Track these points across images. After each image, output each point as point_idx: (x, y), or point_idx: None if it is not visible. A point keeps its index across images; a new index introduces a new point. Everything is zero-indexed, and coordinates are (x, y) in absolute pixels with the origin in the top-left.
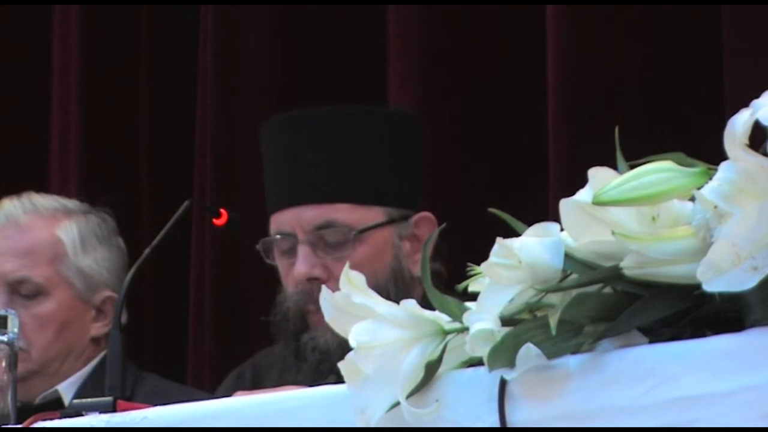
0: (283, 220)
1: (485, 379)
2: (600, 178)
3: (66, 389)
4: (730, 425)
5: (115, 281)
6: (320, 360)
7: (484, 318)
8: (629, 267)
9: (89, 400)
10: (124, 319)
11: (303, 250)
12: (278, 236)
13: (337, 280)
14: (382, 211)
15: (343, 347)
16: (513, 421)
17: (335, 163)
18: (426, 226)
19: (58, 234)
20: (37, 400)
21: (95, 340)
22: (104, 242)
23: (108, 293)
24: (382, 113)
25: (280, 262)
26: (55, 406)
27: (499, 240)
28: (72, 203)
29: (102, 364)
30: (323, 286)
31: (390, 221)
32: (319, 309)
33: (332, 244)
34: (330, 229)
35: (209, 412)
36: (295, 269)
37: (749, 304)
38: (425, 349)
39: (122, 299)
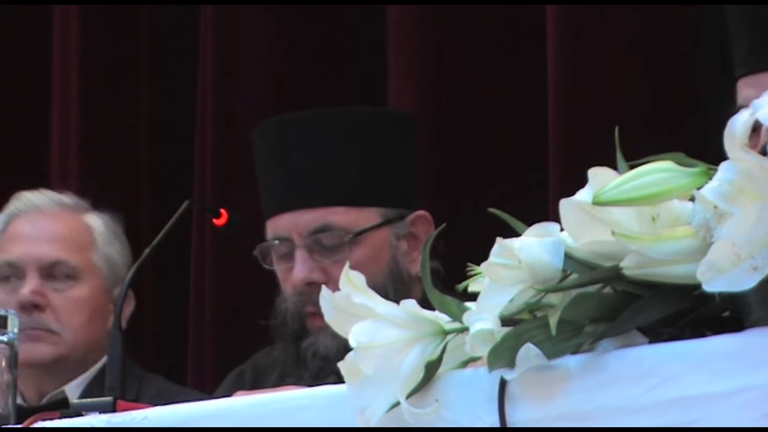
0: (279, 225)
1: (485, 379)
2: (600, 178)
3: (72, 390)
4: (730, 425)
5: (123, 272)
6: (321, 366)
7: (484, 318)
8: (629, 267)
9: (89, 400)
10: (129, 310)
11: (300, 255)
12: (275, 241)
13: (335, 282)
14: (378, 212)
15: (342, 352)
16: (513, 421)
17: (329, 165)
18: (422, 224)
19: (87, 222)
20: (44, 401)
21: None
22: (120, 239)
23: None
24: (374, 114)
25: (278, 267)
26: (60, 407)
27: (499, 240)
28: (82, 201)
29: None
30: (323, 287)
31: (386, 222)
32: (317, 311)
33: (329, 248)
34: (326, 232)
35: (209, 412)
36: (294, 274)
37: (749, 304)
38: (425, 349)
39: (122, 299)
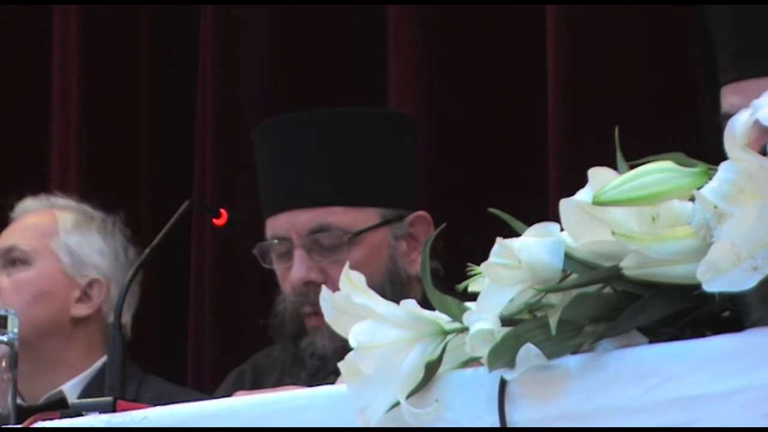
0: (278, 225)
1: (485, 379)
2: (600, 178)
3: (71, 390)
4: (730, 425)
5: (108, 270)
6: (318, 366)
7: (484, 318)
8: (629, 267)
9: (89, 400)
10: (126, 319)
11: (299, 255)
12: (274, 240)
13: (333, 282)
14: (377, 212)
15: (340, 352)
16: (513, 421)
17: (328, 165)
18: (422, 225)
19: (56, 215)
20: (41, 400)
21: (77, 322)
22: (103, 233)
23: (96, 277)
24: (373, 114)
25: (277, 266)
26: (59, 407)
27: (499, 240)
28: (87, 207)
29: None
30: (323, 286)
31: (385, 222)
32: (315, 311)
33: (327, 248)
34: (324, 232)
35: (209, 412)
36: (292, 274)
37: (749, 304)
38: (425, 349)
39: (122, 298)
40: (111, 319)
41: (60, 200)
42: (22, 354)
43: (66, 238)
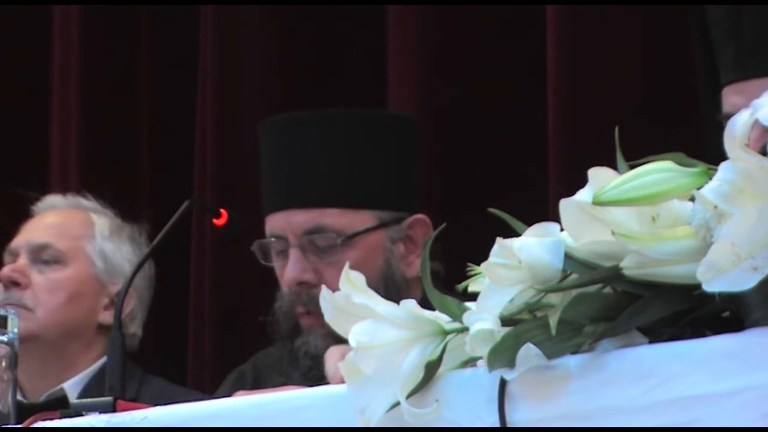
0: (275, 223)
1: (485, 379)
2: (600, 178)
3: (72, 388)
4: (730, 425)
5: (136, 281)
6: (311, 366)
7: (484, 318)
8: (629, 267)
9: (89, 400)
10: (138, 330)
11: (294, 255)
12: (272, 239)
13: (327, 284)
14: (373, 215)
15: None
16: (513, 421)
17: (326, 166)
18: (420, 228)
19: (91, 217)
20: (42, 398)
21: (101, 328)
22: (133, 243)
23: None
24: (373, 116)
25: (275, 263)
26: (60, 405)
27: (499, 240)
28: (102, 207)
29: None
30: (322, 287)
31: (381, 225)
32: (308, 311)
33: (322, 249)
34: (319, 234)
35: (209, 412)
36: (286, 273)
37: (749, 304)
38: (425, 349)
39: (122, 299)
40: (131, 329)
41: (89, 202)
42: (40, 352)
43: (102, 244)
